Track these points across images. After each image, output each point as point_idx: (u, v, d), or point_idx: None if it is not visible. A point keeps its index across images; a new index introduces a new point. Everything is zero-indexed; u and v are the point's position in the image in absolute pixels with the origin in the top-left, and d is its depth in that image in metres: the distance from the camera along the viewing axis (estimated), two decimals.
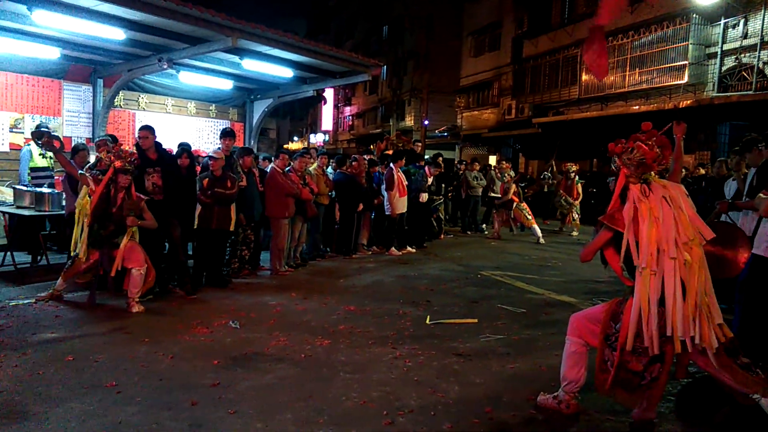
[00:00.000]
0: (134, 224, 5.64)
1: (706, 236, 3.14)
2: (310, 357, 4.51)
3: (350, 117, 44.68)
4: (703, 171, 11.32)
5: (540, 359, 4.57)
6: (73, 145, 7.82)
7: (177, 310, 5.80)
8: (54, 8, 7.41)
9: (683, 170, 8.75)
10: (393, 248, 9.96)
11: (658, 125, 3.41)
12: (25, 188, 7.41)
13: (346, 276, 7.94)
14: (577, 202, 13.55)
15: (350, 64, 11.16)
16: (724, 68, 15.15)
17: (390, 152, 10.78)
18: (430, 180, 10.77)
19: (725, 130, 15.26)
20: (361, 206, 9.46)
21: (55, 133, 8.49)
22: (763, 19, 14.02)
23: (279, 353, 4.57)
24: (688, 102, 14.70)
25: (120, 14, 7.78)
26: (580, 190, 13.59)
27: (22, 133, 9.60)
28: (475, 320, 5.70)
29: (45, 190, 7.33)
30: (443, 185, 12.16)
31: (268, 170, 8.05)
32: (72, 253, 5.72)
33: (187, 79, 11.09)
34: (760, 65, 14.04)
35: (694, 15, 15.44)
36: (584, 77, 19.26)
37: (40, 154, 8.37)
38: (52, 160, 8.36)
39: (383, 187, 9.85)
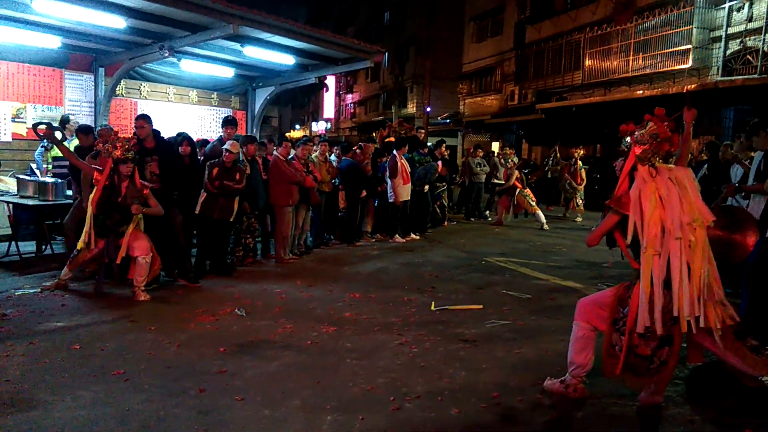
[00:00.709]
0: (139, 212, 5.64)
1: (707, 219, 3.12)
2: (316, 344, 4.51)
3: (352, 104, 44.55)
4: (705, 156, 11.23)
5: (546, 344, 4.56)
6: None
7: (182, 299, 5.82)
8: None
9: (689, 155, 8.69)
10: (397, 235, 9.95)
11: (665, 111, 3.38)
12: (27, 178, 7.41)
13: (350, 263, 7.94)
14: (581, 187, 13.52)
15: (352, 50, 11.06)
16: (728, 52, 14.99)
17: (392, 139, 10.73)
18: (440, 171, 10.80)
19: (730, 114, 15.12)
20: (364, 193, 9.44)
21: (72, 121, 8.43)
22: None
23: (285, 340, 4.58)
24: (693, 86, 14.57)
25: (120, 2, 7.71)
26: (584, 175, 13.55)
27: (25, 122, 9.57)
28: (481, 306, 5.70)
29: (48, 179, 7.32)
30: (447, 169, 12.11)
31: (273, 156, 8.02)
32: (79, 247, 5.70)
33: (189, 67, 11.03)
34: (766, 49, 13.88)
35: None
36: (587, 62, 19.10)
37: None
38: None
39: (387, 174, 9.82)
